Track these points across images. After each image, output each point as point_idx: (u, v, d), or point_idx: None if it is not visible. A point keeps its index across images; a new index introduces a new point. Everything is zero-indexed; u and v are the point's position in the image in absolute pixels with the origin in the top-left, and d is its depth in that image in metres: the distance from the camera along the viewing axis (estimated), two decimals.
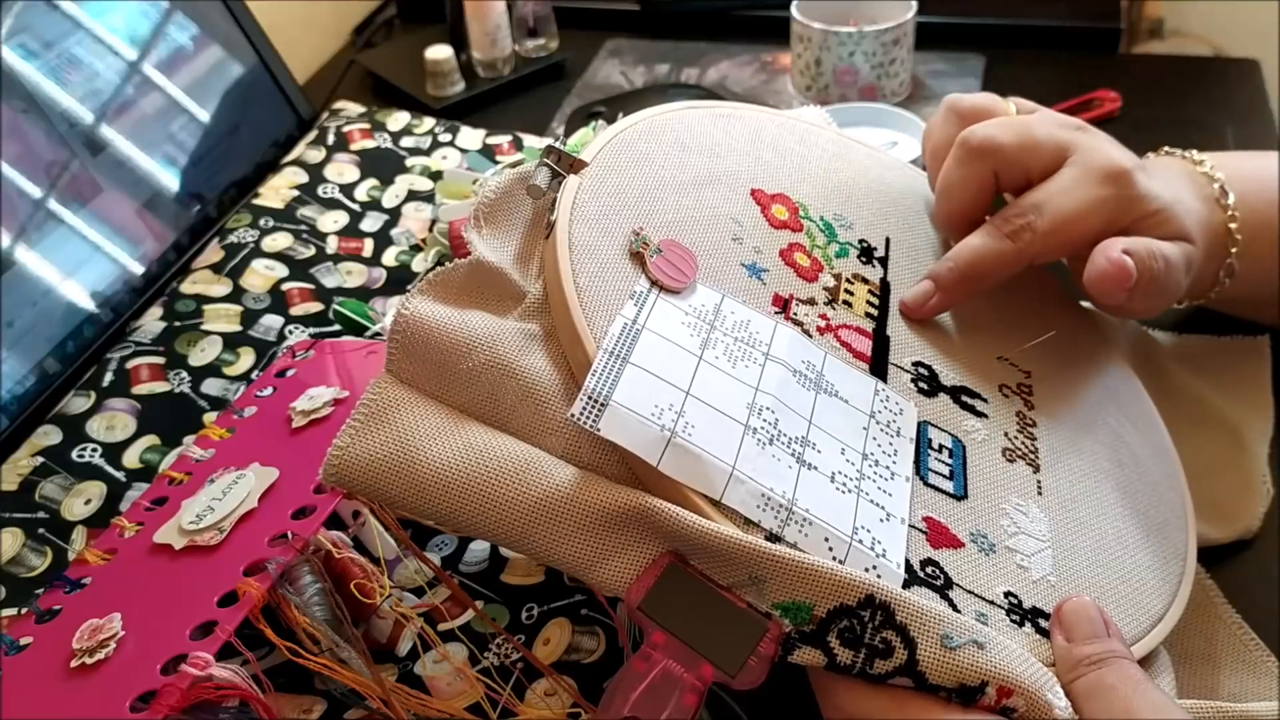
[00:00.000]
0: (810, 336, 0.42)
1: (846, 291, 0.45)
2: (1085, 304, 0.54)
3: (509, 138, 0.78)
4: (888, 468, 0.39)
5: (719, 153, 0.48)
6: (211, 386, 0.59)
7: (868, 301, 0.45)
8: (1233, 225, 0.49)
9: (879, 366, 0.43)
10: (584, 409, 0.35)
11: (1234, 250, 0.50)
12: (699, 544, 0.34)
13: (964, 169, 0.46)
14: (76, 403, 0.57)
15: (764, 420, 0.37)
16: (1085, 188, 0.44)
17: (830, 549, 0.35)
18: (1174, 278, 0.45)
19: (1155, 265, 0.43)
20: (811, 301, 0.44)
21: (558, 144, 0.44)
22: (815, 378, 0.40)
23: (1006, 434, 0.43)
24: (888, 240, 0.48)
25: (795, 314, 0.43)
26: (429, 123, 0.80)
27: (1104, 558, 0.41)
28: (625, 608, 0.35)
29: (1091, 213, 0.44)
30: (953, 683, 0.33)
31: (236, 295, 0.64)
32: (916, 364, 0.44)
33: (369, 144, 0.77)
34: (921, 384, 0.43)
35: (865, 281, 0.46)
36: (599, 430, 0.35)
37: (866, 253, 0.47)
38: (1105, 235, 0.44)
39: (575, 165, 0.43)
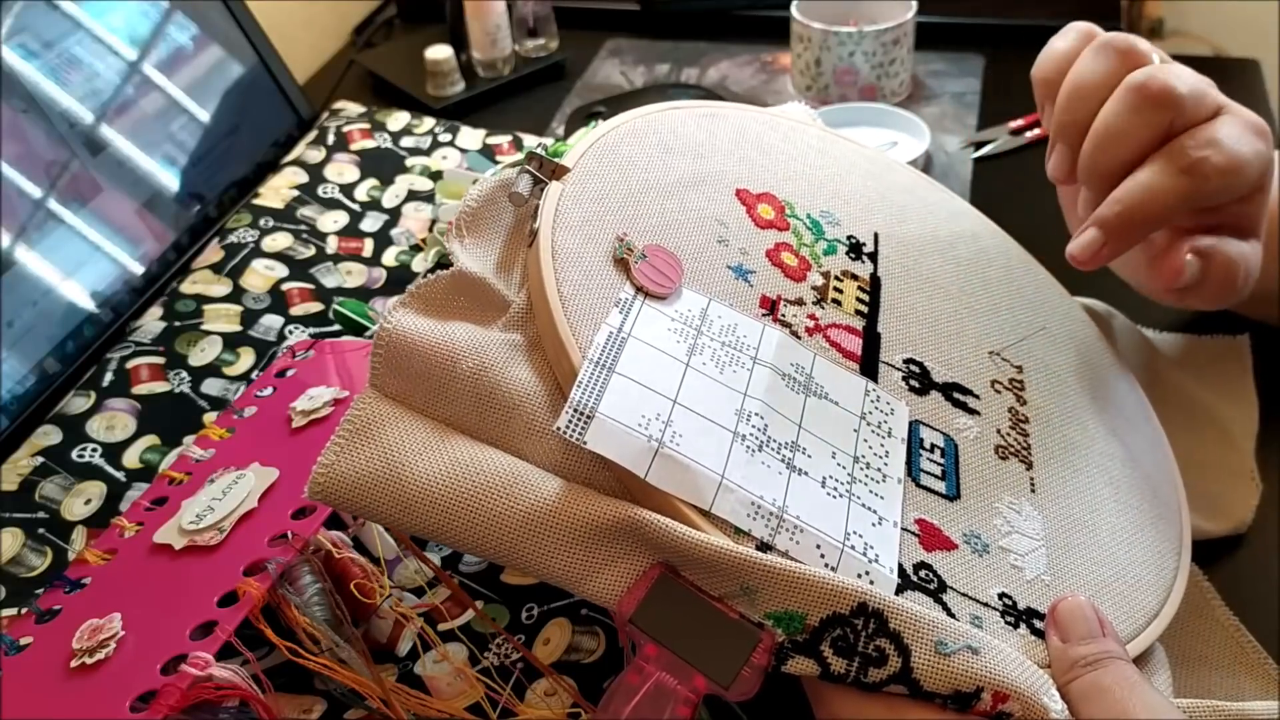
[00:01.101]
0: (799, 338, 0.42)
1: (835, 289, 0.45)
2: (1079, 299, 0.54)
3: (509, 138, 0.78)
4: (879, 470, 0.39)
5: (703, 153, 0.47)
6: (211, 386, 0.59)
7: (857, 298, 0.45)
8: None
9: (869, 365, 0.43)
10: (570, 422, 0.35)
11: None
12: (690, 555, 0.34)
13: (1140, 116, 0.42)
14: (76, 403, 0.57)
15: (753, 426, 0.37)
16: (1247, 136, 0.43)
17: (822, 556, 0.35)
18: (1246, 280, 0.45)
19: (1231, 271, 0.44)
20: (800, 302, 0.43)
21: (538, 150, 0.43)
22: (804, 380, 0.40)
23: (999, 431, 0.43)
24: (876, 235, 0.48)
25: (783, 315, 0.42)
26: (429, 123, 0.80)
27: (1098, 554, 0.41)
28: (617, 621, 0.35)
29: (1251, 161, 0.43)
30: (948, 689, 0.33)
31: (236, 295, 0.64)
32: (908, 361, 0.44)
33: (369, 144, 0.77)
34: (913, 381, 0.43)
35: (855, 278, 0.46)
36: (585, 443, 0.35)
37: (855, 249, 0.47)
38: (1254, 191, 0.44)
39: (557, 171, 0.43)
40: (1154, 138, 0.43)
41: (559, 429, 0.35)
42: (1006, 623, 0.37)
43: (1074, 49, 0.47)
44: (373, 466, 0.36)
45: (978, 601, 0.37)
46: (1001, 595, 0.38)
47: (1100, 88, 0.44)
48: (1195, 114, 0.43)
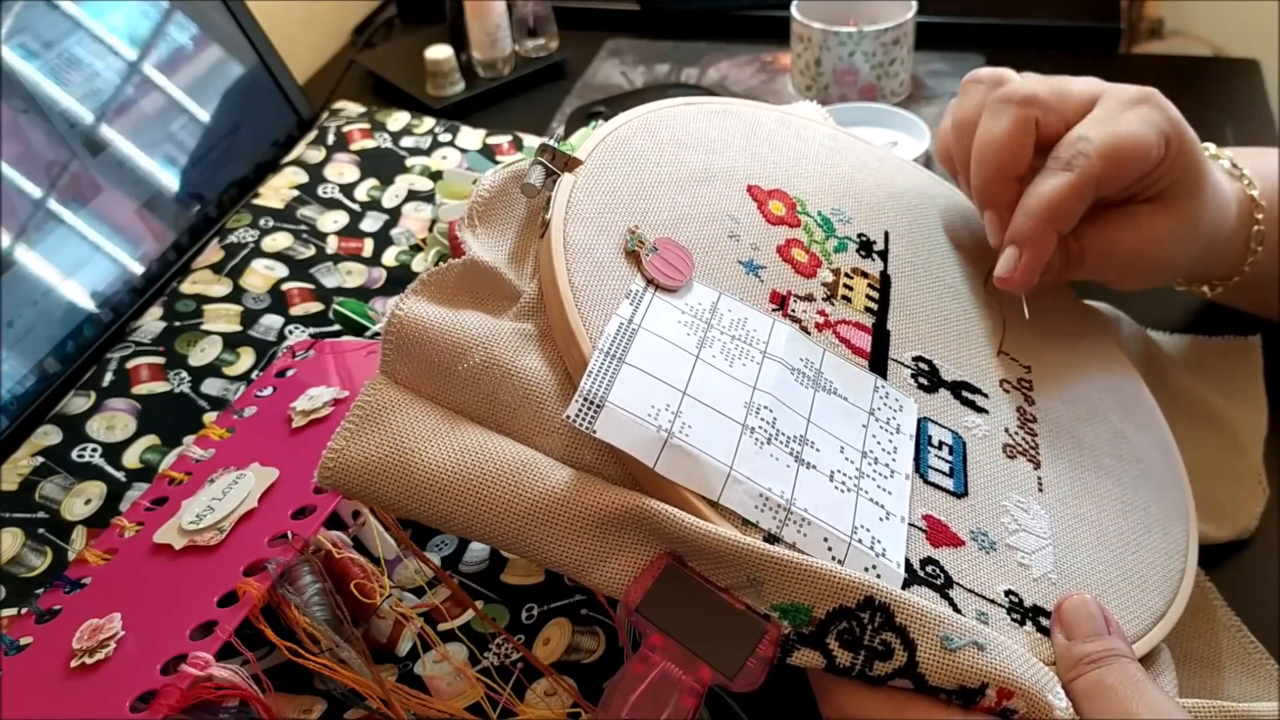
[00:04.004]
0: (808, 333, 0.42)
1: (846, 286, 0.45)
2: (1087, 301, 0.54)
3: (509, 138, 0.78)
4: (887, 465, 0.39)
5: (715, 149, 0.48)
6: (211, 386, 0.59)
7: (867, 296, 0.45)
8: (1253, 192, 0.50)
9: (878, 362, 0.43)
10: (580, 410, 0.35)
11: (1260, 216, 0.50)
12: (697, 545, 0.34)
13: (1004, 119, 0.45)
14: (76, 403, 0.57)
15: (762, 419, 0.37)
16: (1124, 111, 0.44)
17: (829, 549, 0.35)
18: (1159, 245, 0.46)
19: (1112, 251, 0.45)
20: (810, 298, 0.43)
21: (552, 141, 0.43)
22: (813, 375, 0.40)
23: (1007, 430, 0.43)
24: (887, 234, 0.48)
25: (793, 311, 0.42)
26: (429, 123, 0.80)
27: (1105, 554, 0.41)
28: (623, 609, 0.35)
29: (1138, 129, 0.44)
30: (953, 684, 0.33)
31: (236, 295, 0.64)
32: (917, 359, 0.44)
33: (369, 144, 0.77)
34: (922, 379, 0.43)
35: (865, 275, 0.46)
36: (595, 432, 0.35)
37: (866, 247, 0.47)
38: (1159, 153, 0.44)
39: (570, 163, 0.43)
40: (1026, 140, 0.45)
41: (569, 417, 0.35)
42: (1012, 620, 0.37)
43: (957, 100, 0.49)
44: (382, 452, 0.36)
45: (984, 598, 0.37)
46: (1008, 592, 0.37)
47: (974, 115, 0.47)
48: (1062, 107, 0.45)
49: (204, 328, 0.62)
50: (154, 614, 0.40)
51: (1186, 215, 0.46)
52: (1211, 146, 0.51)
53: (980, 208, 0.47)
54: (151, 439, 0.56)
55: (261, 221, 0.69)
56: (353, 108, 0.81)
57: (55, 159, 0.62)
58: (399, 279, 0.66)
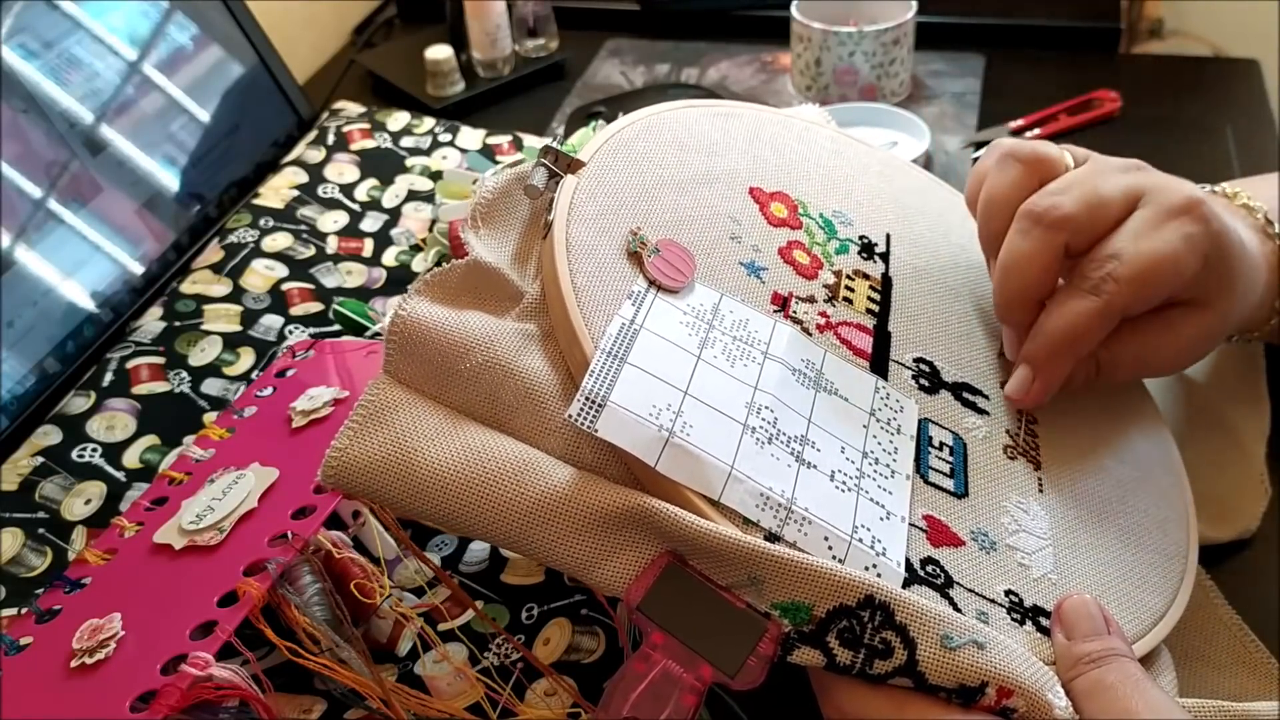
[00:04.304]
0: (810, 334, 0.42)
1: (847, 288, 0.45)
2: None
3: (509, 138, 0.78)
4: (888, 466, 0.39)
5: (717, 151, 0.48)
6: (211, 386, 0.59)
7: (869, 298, 0.45)
8: None
9: (879, 363, 0.43)
10: (581, 410, 0.35)
11: None
12: (698, 544, 0.34)
13: (1032, 243, 0.42)
14: (76, 403, 0.57)
15: (763, 419, 0.37)
16: (1163, 226, 0.41)
17: (830, 548, 0.35)
18: (1179, 355, 0.44)
19: (1123, 364, 0.44)
20: (811, 299, 0.44)
21: (555, 143, 0.44)
22: (815, 376, 0.40)
23: (1008, 431, 0.43)
24: (888, 236, 0.48)
25: (794, 312, 0.43)
26: (429, 123, 0.80)
27: (1105, 555, 0.41)
28: (624, 608, 0.35)
29: (1174, 249, 0.40)
30: (953, 683, 0.33)
31: (236, 295, 0.64)
32: (918, 360, 0.44)
33: (369, 144, 0.77)
34: (923, 380, 0.43)
35: (866, 277, 0.46)
36: (596, 431, 0.35)
37: (867, 249, 0.47)
38: (1196, 270, 0.41)
39: (573, 165, 0.43)
40: (1054, 264, 0.42)
41: (570, 417, 0.35)
42: (1013, 619, 0.37)
43: (989, 164, 0.46)
44: (385, 451, 0.36)
45: (984, 598, 0.37)
46: (1008, 592, 0.37)
47: (1009, 201, 0.43)
48: (1094, 227, 0.41)
49: (204, 328, 0.62)
50: (154, 614, 0.40)
51: (1221, 313, 0.43)
52: (1241, 194, 0.49)
53: (1000, 320, 0.45)
54: (151, 439, 0.56)
55: (261, 221, 0.69)
56: (353, 108, 0.81)
57: (55, 159, 0.62)
58: (399, 279, 0.66)
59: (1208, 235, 0.41)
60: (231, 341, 0.61)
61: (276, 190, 0.72)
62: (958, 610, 0.36)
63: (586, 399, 0.35)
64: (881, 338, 0.44)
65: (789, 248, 0.45)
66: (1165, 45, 1.26)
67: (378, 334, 0.59)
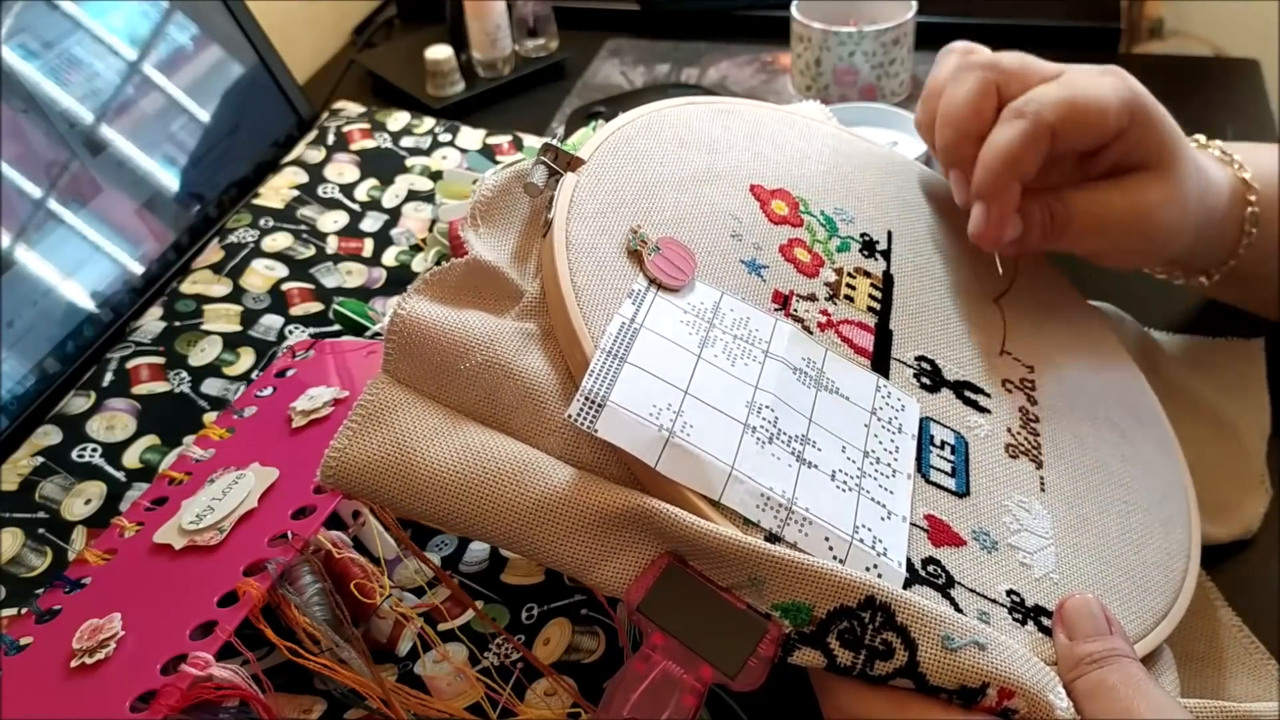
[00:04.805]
0: (811, 333, 0.42)
1: (848, 286, 0.45)
2: (1092, 301, 0.54)
3: (509, 138, 0.78)
4: (889, 465, 0.39)
5: (718, 148, 0.48)
6: (211, 386, 0.59)
7: (870, 295, 0.45)
8: (1245, 175, 0.50)
9: (881, 362, 0.43)
10: (581, 410, 0.35)
11: (1252, 199, 0.50)
12: (698, 545, 0.34)
13: (966, 83, 0.46)
14: (76, 403, 0.57)
15: (763, 419, 0.37)
16: (1091, 79, 0.45)
17: (831, 548, 0.35)
18: (1125, 221, 0.46)
19: (1071, 221, 0.45)
20: (812, 297, 0.43)
21: (555, 141, 0.43)
22: (815, 375, 0.40)
23: (1009, 430, 0.43)
24: (890, 233, 0.48)
25: (795, 310, 0.42)
26: (429, 123, 0.80)
27: (1107, 555, 0.41)
28: (625, 609, 0.35)
29: (1097, 89, 0.44)
30: (954, 684, 0.33)
31: (236, 295, 0.64)
32: (919, 359, 0.44)
33: (369, 144, 0.77)
34: (924, 379, 0.43)
35: (868, 275, 0.46)
36: (596, 431, 0.35)
37: (869, 246, 0.47)
38: (1122, 116, 0.44)
39: (573, 163, 0.43)
40: (987, 101, 0.45)
41: (570, 417, 0.35)
42: (1014, 619, 0.37)
43: (935, 70, 0.50)
44: (384, 451, 0.36)
45: (985, 598, 0.37)
46: (1009, 592, 0.37)
47: (944, 80, 0.48)
48: (1025, 75, 0.46)
49: (204, 328, 0.62)
50: (154, 614, 0.40)
51: (1171, 184, 0.46)
52: (1201, 138, 0.52)
53: (945, 169, 0.48)
54: (151, 439, 0.56)
55: (261, 221, 0.69)
56: (353, 108, 0.81)
57: (55, 159, 0.62)
58: (399, 279, 0.66)
59: (1129, 89, 0.45)
60: (231, 341, 0.61)
61: (276, 190, 0.72)
62: (959, 610, 0.36)
63: (586, 399, 0.35)
64: (883, 336, 0.44)
65: (790, 245, 0.45)
66: (1165, 45, 1.26)
67: (378, 334, 0.59)
